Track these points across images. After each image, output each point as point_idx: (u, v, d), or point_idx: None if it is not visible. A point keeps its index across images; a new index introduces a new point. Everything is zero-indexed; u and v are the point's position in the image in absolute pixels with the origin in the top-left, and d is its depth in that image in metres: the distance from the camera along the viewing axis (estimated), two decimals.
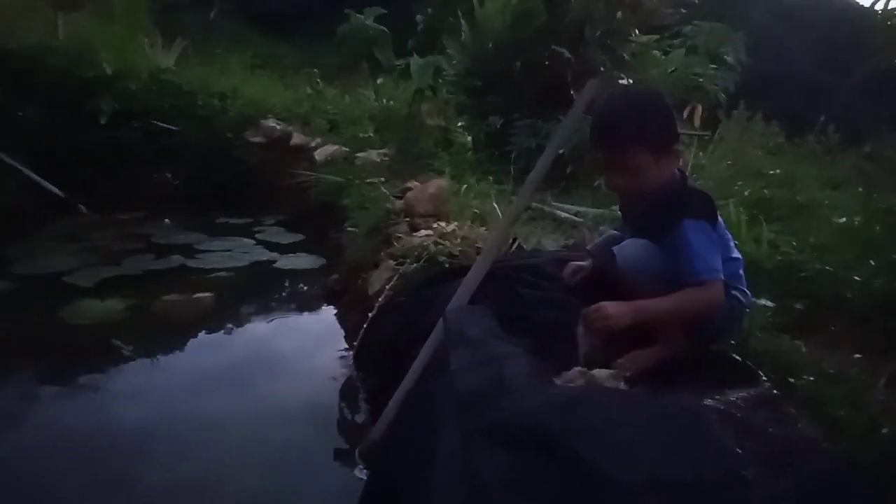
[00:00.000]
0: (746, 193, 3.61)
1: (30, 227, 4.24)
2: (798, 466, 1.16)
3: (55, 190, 4.47)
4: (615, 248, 1.68)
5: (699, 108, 3.94)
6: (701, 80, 4.45)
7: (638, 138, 1.61)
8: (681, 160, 1.70)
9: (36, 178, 4.44)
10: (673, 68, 4.50)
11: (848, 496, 1.16)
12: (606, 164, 1.71)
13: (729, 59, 4.57)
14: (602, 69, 4.22)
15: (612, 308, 1.48)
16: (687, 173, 1.81)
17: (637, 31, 4.47)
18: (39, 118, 4.92)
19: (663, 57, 4.64)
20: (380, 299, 2.43)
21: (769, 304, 2.10)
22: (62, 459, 1.93)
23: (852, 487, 1.18)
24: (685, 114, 4.04)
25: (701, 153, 4.37)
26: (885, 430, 1.40)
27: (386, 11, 7.61)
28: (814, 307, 2.19)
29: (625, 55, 4.36)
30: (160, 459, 1.94)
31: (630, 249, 1.65)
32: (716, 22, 4.73)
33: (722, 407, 1.22)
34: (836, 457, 1.26)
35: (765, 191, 3.66)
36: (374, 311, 2.40)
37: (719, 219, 1.67)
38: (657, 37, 4.59)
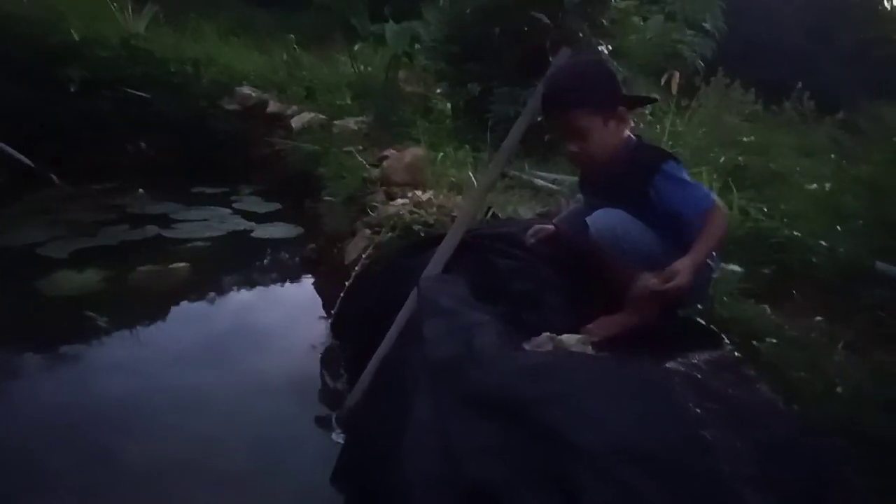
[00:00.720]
0: (721, 161, 3.65)
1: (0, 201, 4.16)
2: (756, 427, 1.21)
3: (25, 160, 4.37)
4: (588, 219, 1.68)
5: (676, 75, 3.94)
6: (679, 46, 4.45)
7: (581, 100, 1.65)
8: (630, 123, 1.72)
9: (5, 147, 4.33)
10: (651, 35, 4.48)
11: (803, 454, 1.21)
12: (558, 132, 1.74)
13: (707, 25, 4.56)
14: (581, 35, 4.19)
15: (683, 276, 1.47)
16: (663, 140, 1.85)
17: None
18: (4, 87, 4.78)
19: (642, 23, 4.61)
20: (356, 268, 2.44)
21: (738, 269, 2.14)
22: (41, 435, 1.91)
23: (807, 446, 1.23)
24: (662, 81, 4.04)
25: (678, 120, 4.39)
26: (839, 391, 1.46)
27: None
28: (781, 274, 2.24)
29: (604, 21, 4.32)
30: (141, 434, 1.93)
31: (604, 219, 1.65)
32: None
33: (684, 370, 1.26)
34: (792, 417, 1.31)
35: (739, 158, 3.70)
36: (350, 281, 2.41)
37: None
38: (636, 2, 4.55)
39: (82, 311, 2.65)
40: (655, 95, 1.74)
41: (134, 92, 5.28)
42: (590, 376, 1.19)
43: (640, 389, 1.14)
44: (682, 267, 1.47)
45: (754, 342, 1.69)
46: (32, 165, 4.37)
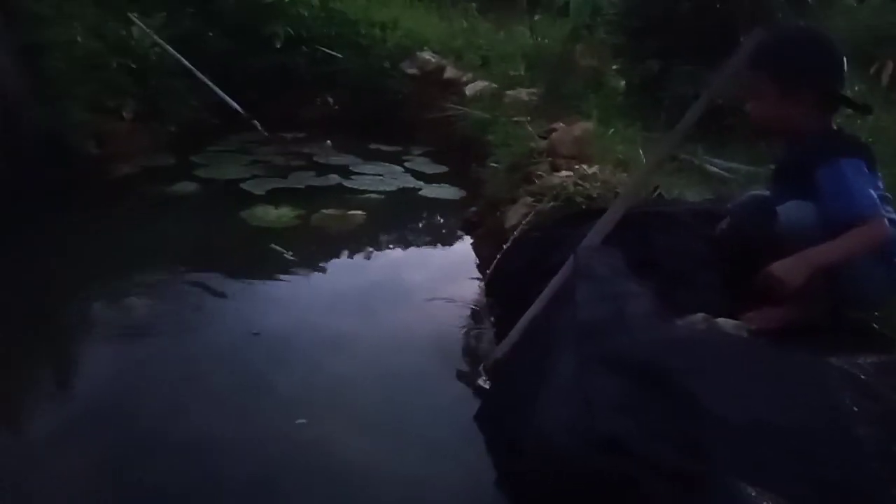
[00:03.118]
0: None
1: (212, 139, 4.80)
2: None
3: (236, 106, 4.97)
4: (779, 209, 1.59)
5: (889, 65, 3.52)
6: None
7: (767, 63, 1.61)
8: (815, 111, 1.60)
9: (222, 94, 4.96)
10: (865, 18, 4.03)
11: None
12: (746, 87, 1.71)
13: None
14: (780, 14, 3.89)
15: (781, 271, 1.44)
16: (863, 135, 1.74)
17: None
18: (223, 42, 5.44)
19: (855, 4, 4.17)
20: (515, 233, 2.55)
21: None
22: (210, 356, 2.18)
23: None
24: (872, 70, 3.63)
25: (884, 115, 3.94)
26: None
27: None
28: None
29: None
30: (295, 368, 2.12)
31: (795, 210, 1.56)
32: None
33: (845, 367, 1.23)
34: None
35: None
36: (508, 244, 2.52)
37: (879, 175, 1.58)
38: None
39: (272, 243, 3.03)
40: (869, 105, 1.60)
41: (327, 51, 5.75)
42: (738, 355, 1.20)
43: (790, 374, 1.14)
44: (775, 270, 1.43)
45: None
46: (242, 111, 4.96)
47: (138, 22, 4.63)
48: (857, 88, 4.03)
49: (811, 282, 1.45)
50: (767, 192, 1.83)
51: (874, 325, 1.58)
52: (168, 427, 1.81)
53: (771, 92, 1.61)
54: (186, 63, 4.80)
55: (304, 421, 1.82)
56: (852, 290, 1.55)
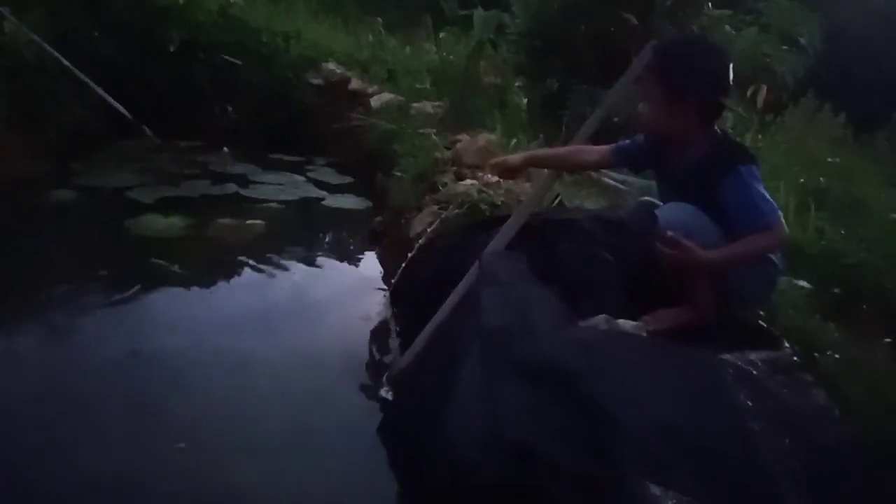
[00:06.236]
0: (801, 181, 3.55)
1: (96, 146, 4.42)
2: (806, 428, 1.21)
3: (124, 111, 4.64)
4: (657, 211, 1.68)
5: (763, 89, 3.83)
6: (769, 60, 4.33)
7: (654, 70, 1.67)
8: (698, 119, 1.67)
9: (108, 98, 4.62)
10: (742, 45, 4.37)
11: (849, 464, 1.20)
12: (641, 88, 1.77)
13: (802, 41, 4.41)
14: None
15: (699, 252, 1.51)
16: None
17: (710, 5, 4.35)
18: (111, 44, 5.08)
19: (734, 33, 4.51)
20: (420, 241, 2.51)
21: (806, 285, 2.10)
22: (97, 378, 1.97)
23: (855, 456, 1.22)
24: (748, 93, 3.93)
25: (759, 136, 4.27)
26: None
27: None
28: (850, 295, 2.18)
29: (693, 27, 4.25)
30: (191, 388, 1.96)
31: (674, 212, 1.64)
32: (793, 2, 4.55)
33: (739, 364, 1.27)
34: (844, 425, 1.29)
35: (820, 179, 3.58)
36: (413, 252, 2.48)
37: None
38: (730, 12, 4.45)
39: (163, 254, 2.81)
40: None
41: (226, 58, 5.52)
42: (640, 356, 1.21)
43: (689, 374, 1.17)
44: (697, 253, 1.49)
45: (815, 354, 1.66)
46: (129, 116, 4.64)
47: (10, 16, 4.22)
48: (738, 110, 4.36)
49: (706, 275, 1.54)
50: (656, 200, 1.91)
51: (762, 324, 1.66)
52: (42, 461, 1.62)
53: (659, 97, 1.66)
54: (66, 63, 4.42)
55: (183, 445, 1.67)
56: (736, 288, 1.63)
